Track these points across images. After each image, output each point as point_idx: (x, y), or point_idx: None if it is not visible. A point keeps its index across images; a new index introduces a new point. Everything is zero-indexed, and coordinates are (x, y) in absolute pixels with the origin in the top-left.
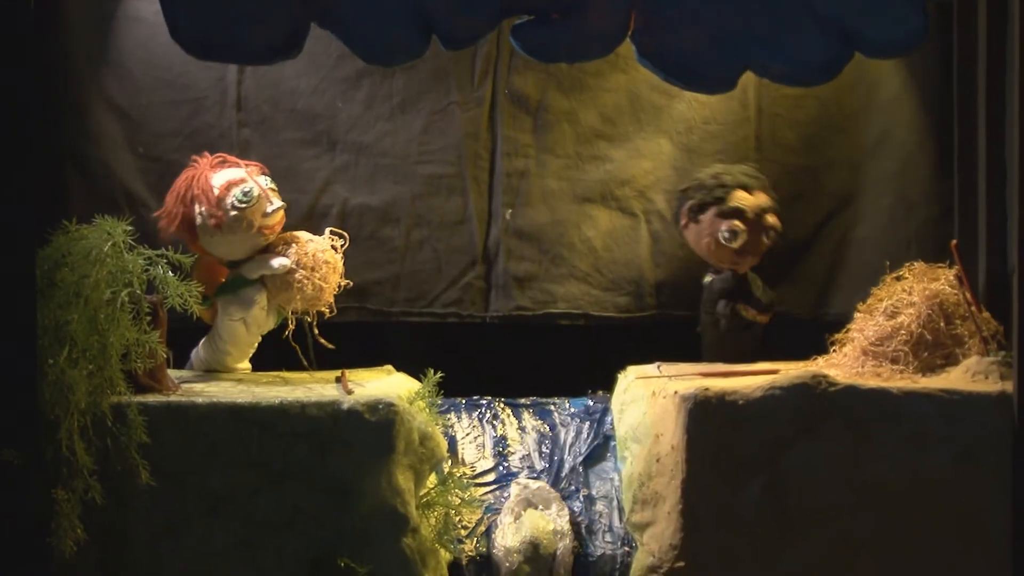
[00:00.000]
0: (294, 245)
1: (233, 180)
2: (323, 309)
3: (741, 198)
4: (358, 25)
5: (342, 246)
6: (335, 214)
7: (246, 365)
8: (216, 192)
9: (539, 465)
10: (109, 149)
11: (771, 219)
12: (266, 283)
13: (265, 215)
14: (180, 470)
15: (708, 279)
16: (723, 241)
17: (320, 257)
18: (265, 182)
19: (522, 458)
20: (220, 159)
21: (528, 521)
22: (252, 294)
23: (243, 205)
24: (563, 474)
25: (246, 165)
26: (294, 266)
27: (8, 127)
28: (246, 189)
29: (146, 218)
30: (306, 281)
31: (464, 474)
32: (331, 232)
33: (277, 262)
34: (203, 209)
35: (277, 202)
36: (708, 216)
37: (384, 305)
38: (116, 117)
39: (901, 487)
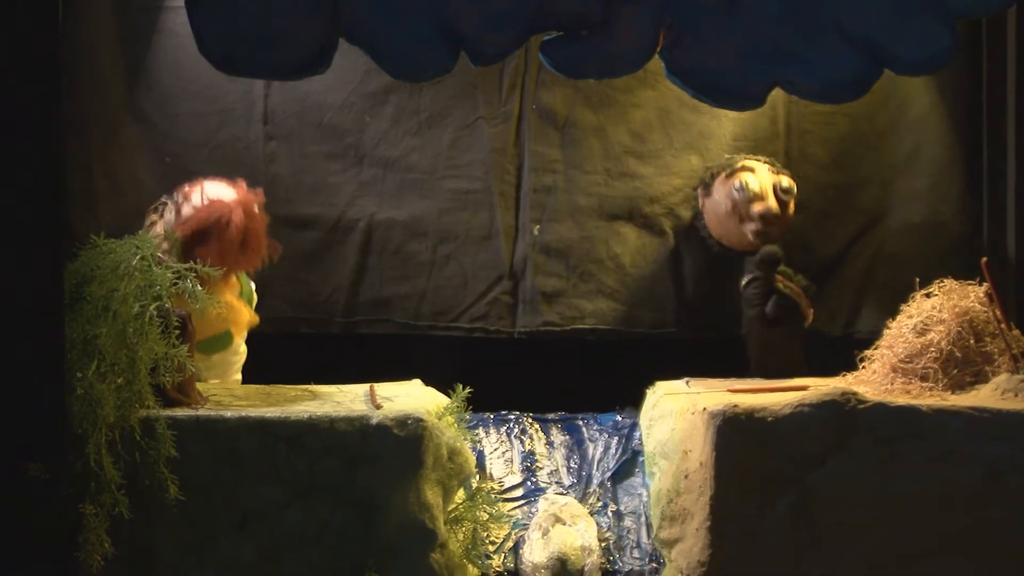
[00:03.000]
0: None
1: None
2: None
3: (750, 161)
4: (386, 41)
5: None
6: (361, 228)
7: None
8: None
9: (567, 480)
10: (137, 158)
11: (786, 180)
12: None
13: None
14: (208, 484)
15: (743, 281)
16: (735, 195)
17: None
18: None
19: (550, 473)
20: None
21: (556, 537)
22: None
23: None
24: (591, 490)
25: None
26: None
27: (36, 140)
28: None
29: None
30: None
31: (492, 489)
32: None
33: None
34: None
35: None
36: (719, 182)
37: (411, 319)
38: (145, 127)
39: (930, 504)
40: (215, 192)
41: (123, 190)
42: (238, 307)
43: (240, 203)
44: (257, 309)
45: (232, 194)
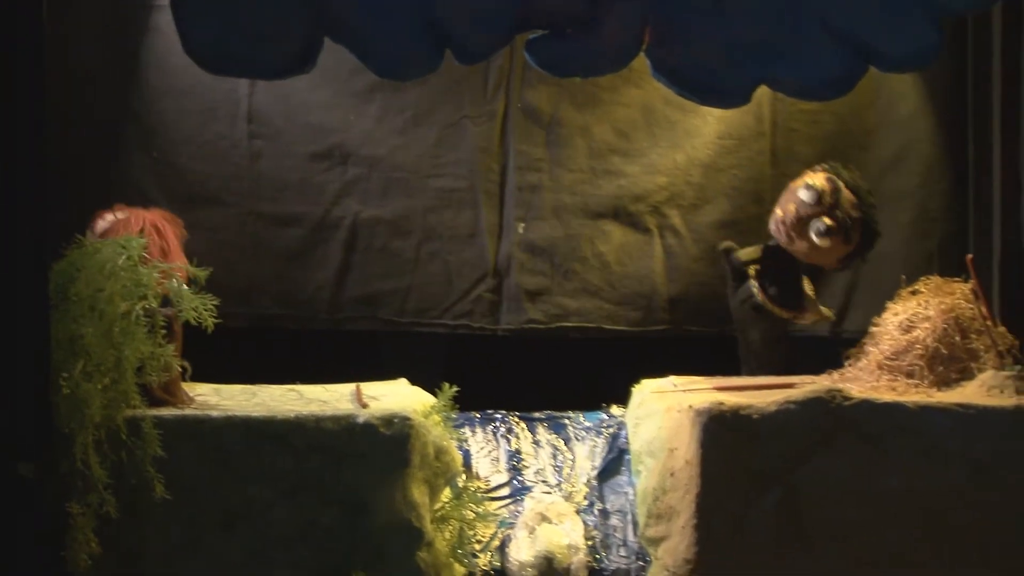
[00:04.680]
0: None
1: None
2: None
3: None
4: (372, 39)
5: None
6: (346, 226)
7: None
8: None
9: (553, 479)
10: (127, 152)
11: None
12: None
13: None
14: (195, 484)
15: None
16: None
17: None
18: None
19: (536, 472)
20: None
21: (542, 535)
22: None
23: None
24: (577, 488)
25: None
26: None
27: (20, 137)
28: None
29: None
30: None
31: (478, 488)
32: None
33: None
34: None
35: None
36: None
37: (395, 315)
38: (133, 122)
39: (916, 501)
40: (130, 209)
41: (113, 187)
42: None
43: (159, 216)
44: (242, 306)
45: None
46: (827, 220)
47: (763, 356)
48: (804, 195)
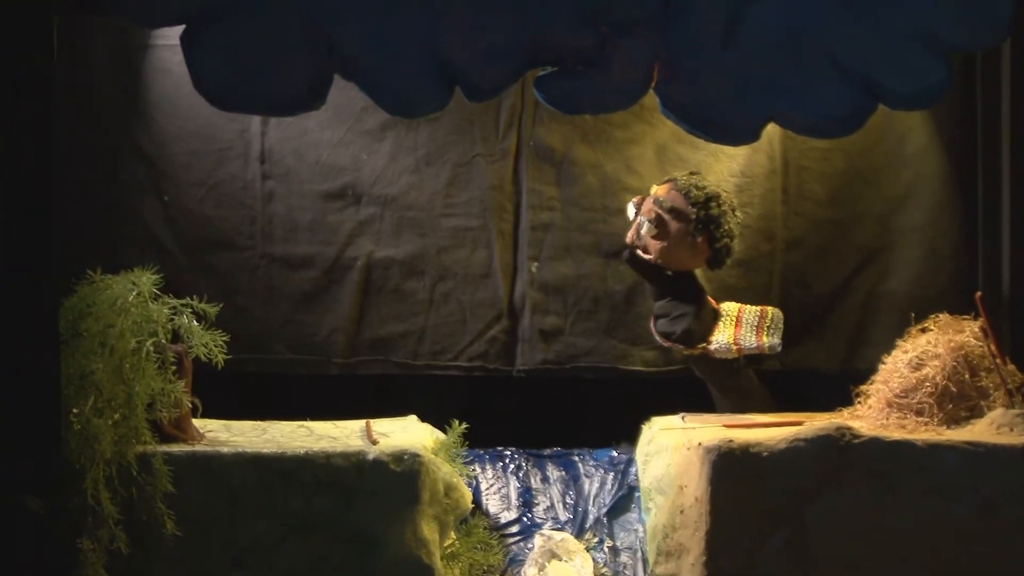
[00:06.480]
0: None
1: None
2: None
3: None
4: (381, 77)
5: None
6: (360, 267)
7: None
8: None
9: (563, 516)
10: (137, 196)
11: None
12: None
13: None
14: (205, 520)
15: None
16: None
17: None
18: None
19: (546, 509)
20: None
21: (552, 572)
22: None
23: None
24: (587, 525)
25: None
26: None
27: (32, 176)
28: None
29: (170, 265)
30: None
31: (488, 525)
32: None
33: None
34: None
35: None
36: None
37: (409, 358)
38: (144, 165)
39: (925, 539)
40: None
41: (124, 227)
42: None
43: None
44: (255, 350)
45: None
46: (646, 216)
47: (716, 397)
48: (629, 213)
